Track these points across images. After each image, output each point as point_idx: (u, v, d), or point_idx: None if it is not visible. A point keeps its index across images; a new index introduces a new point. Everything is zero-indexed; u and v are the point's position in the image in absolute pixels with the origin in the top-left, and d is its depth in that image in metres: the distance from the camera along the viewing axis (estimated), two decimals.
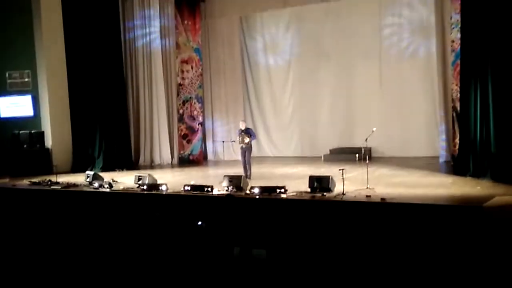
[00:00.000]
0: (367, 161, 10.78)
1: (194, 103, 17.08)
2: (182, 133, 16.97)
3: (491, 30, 10.31)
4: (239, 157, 16.13)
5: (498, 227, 7.57)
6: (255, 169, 12.55)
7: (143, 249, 8.21)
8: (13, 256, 8.30)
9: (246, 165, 12.21)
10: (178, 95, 16.86)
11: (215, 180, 11.13)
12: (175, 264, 7.41)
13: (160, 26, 16.39)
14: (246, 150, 12.19)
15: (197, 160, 16.95)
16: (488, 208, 8.01)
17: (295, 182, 10.61)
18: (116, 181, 11.92)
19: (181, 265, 7.33)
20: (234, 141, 16.02)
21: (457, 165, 11.64)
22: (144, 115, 16.43)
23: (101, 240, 8.99)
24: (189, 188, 10.53)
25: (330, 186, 9.53)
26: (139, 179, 11.39)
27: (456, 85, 12.43)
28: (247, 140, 12.11)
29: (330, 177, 9.64)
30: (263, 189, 9.81)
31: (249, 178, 11.85)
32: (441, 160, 13.77)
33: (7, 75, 15.65)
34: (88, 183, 12.02)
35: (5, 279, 7.12)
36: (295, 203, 9.31)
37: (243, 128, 12.34)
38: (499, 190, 9.18)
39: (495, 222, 7.68)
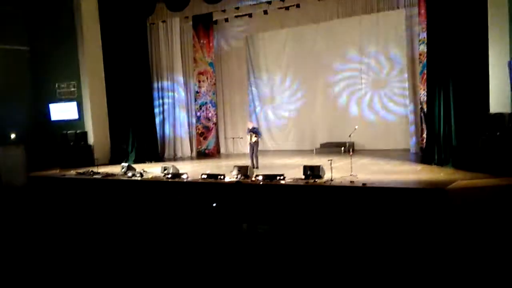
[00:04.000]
0: (351, 153, 10.78)
1: (209, 107, 17.08)
2: (199, 132, 16.98)
3: (452, 45, 10.28)
4: (247, 151, 16.24)
5: (459, 206, 7.57)
6: (259, 161, 12.50)
7: (169, 227, 8.22)
8: (64, 234, 8.33)
9: (254, 157, 12.21)
10: (196, 100, 16.85)
11: (227, 170, 11.14)
12: (196, 238, 7.41)
13: (181, 45, 16.37)
14: (254, 146, 12.22)
15: (212, 153, 16.96)
16: (451, 190, 8.00)
17: (292, 170, 10.60)
18: (146, 171, 11.94)
19: (200, 239, 7.34)
20: (242, 138, 16.08)
21: (424, 156, 11.61)
22: (168, 117, 16.44)
23: (134, 218, 9.02)
24: (205, 176, 10.55)
25: (320, 174, 9.53)
26: (164, 169, 11.43)
27: (424, 90, 12.38)
28: (254, 139, 12.14)
29: (321, 166, 9.64)
30: (266, 177, 9.82)
31: (257, 168, 11.87)
32: (412, 151, 13.72)
33: (57, 86, 15.71)
34: (123, 173, 12.07)
35: (58, 251, 7.15)
36: (292, 188, 9.31)
37: (250, 128, 12.37)
38: (459, 176, 9.16)
39: (456, 201, 7.68)
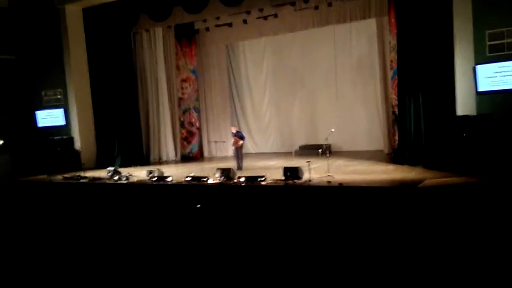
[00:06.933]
0: (328, 155, 10.83)
1: (192, 112, 16.96)
2: (183, 136, 16.84)
3: (420, 52, 10.45)
4: (229, 154, 16.25)
5: (429, 202, 7.67)
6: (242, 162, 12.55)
7: (153, 228, 8.13)
8: (50, 237, 8.18)
9: (238, 159, 12.29)
10: (179, 106, 16.71)
11: (210, 172, 11.06)
12: (182, 238, 7.34)
13: (164, 53, 16.25)
14: (239, 149, 12.29)
15: (196, 157, 16.82)
16: (421, 188, 8.10)
17: (272, 172, 10.59)
18: (132, 175, 11.79)
19: (190, 236, 7.27)
20: (225, 141, 16.08)
21: (396, 156, 11.73)
22: (153, 122, 16.29)
23: (121, 220, 8.90)
24: (189, 178, 10.48)
25: (299, 175, 9.54)
26: (150, 173, 11.31)
27: (395, 94, 12.51)
28: (241, 142, 12.24)
29: (299, 168, 9.65)
30: (247, 178, 9.80)
31: (241, 168, 11.93)
32: (384, 152, 13.86)
33: (43, 93, 15.45)
34: (109, 176, 11.89)
35: (43, 254, 7.01)
36: (273, 188, 9.31)
37: (234, 132, 12.43)
38: (428, 175, 9.29)
39: (426, 198, 7.78)
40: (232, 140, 12.41)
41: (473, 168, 8.97)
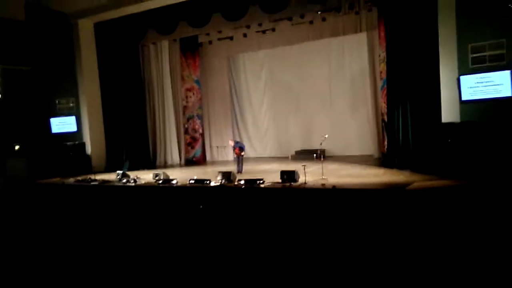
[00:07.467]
0: (322, 159, 10.79)
1: (196, 119, 16.95)
2: (187, 142, 16.82)
3: (408, 63, 10.47)
4: (229, 158, 16.22)
5: (416, 203, 7.65)
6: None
7: (159, 227, 8.09)
8: (64, 235, 8.13)
9: (239, 163, 12.29)
10: (184, 114, 16.72)
11: (212, 175, 11.03)
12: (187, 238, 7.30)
13: (170, 64, 16.27)
14: (240, 156, 12.34)
15: (199, 161, 16.80)
16: (409, 190, 8.08)
17: (270, 175, 10.56)
18: (139, 178, 11.75)
19: (193, 234, 7.24)
20: (226, 146, 16.05)
21: (386, 161, 11.71)
22: (159, 129, 16.29)
23: (128, 220, 8.86)
24: (193, 181, 10.44)
25: (295, 178, 9.51)
26: (156, 176, 11.28)
27: (384, 103, 12.51)
28: (243, 153, 12.34)
29: (295, 171, 9.62)
30: (247, 181, 9.77)
31: (241, 172, 11.93)
32: (374, 157, 13.83)
33: (57, 101, 15.44)
34: (118, 179, 11.85)
35: (58, 251, 6.96)
36: (270, 191, 9.28)
37: (233, 144, 12.48)
38: (416, 178, 9.27)
39: (414, 199, 7.76)
40: (233, 151, 12.47)
41: (457, 171, 8.96)
